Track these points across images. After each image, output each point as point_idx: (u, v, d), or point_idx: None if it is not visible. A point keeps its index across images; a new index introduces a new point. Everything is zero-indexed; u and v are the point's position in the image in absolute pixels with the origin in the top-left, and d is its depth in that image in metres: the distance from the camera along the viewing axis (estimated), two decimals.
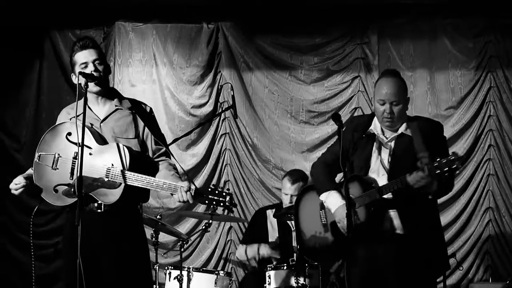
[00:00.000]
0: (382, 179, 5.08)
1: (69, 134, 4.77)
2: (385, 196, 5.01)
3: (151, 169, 4.89)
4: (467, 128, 8.81)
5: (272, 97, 9.12)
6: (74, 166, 4.70)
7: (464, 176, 8.78)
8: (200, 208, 8.83)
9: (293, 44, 9.15)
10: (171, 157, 5.00)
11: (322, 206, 5.40)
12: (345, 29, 9.08)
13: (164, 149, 4.96)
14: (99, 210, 4.72)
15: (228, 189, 4.64)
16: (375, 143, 5.18)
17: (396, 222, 5.05)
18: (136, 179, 4.61)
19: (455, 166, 4.67)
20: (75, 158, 4.71)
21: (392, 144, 5.13)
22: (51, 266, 8.71)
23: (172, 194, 4.65)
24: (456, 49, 8.89)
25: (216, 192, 4.54)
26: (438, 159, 4.71)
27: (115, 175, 4.64)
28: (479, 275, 8.64)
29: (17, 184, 4.81)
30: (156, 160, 4.94)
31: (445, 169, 4.68)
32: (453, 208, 8.74)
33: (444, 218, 8.68)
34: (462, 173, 8.77)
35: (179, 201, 4.60)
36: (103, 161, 4.68)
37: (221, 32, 9.16)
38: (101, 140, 4.78)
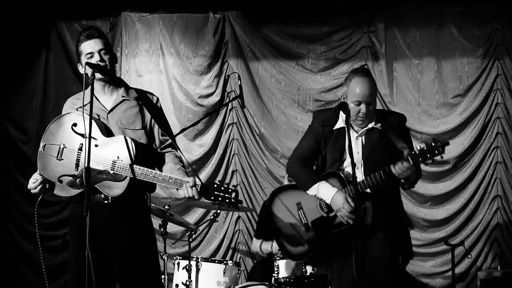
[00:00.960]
0: (358, 173, 5.10)
1: (75, 125, 4.75)
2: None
3: (157, 161, 4.89)
4: (475, 116, 8.79)
5: (279, 86, 9.11)
6: (80, 157, 4.70)
7: (472, 164, 8.76)
8: None
9: (300, 33, 9.13)
10: (177, 149, 4.99)
11: (299, 207, 5.35)
12: (352, 18, 9.06)
13: (170, 140, 4.95)
14: (106, 201, 4.71)
15: (234, 186, 4.62)
16: (346, 137, 5.17)
17: (369, 211, 5.12)
18: (142, 173, 4.60)
19: (438, 151, 4.80)
20: (80, 149, 4.70)
21: (363, 138, 5.19)
22: (58, 257, 8.73)
23: (177, 189, 4.64)
24: (463, 37, 8.87)
25: (222, 188, 4.52)
26: (420, 148, 4.81)
27: (120, 168, 4.64)
28: (487, 263, 8.63)
29: (34, 182, 4.77)
30: (162, 151, 4.93)
31: (428, 155, 4.80)
32: (461, 196, 8.73)
33: (452, 207, 8.70)
34: (470, 161, 8.77)
35: (185, 197, 4.60)
36: (109, 154, 4.67)
37: (228, 21, 9.15)
38: (107, 132, 4.77)
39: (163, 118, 5.02)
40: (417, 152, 4.80)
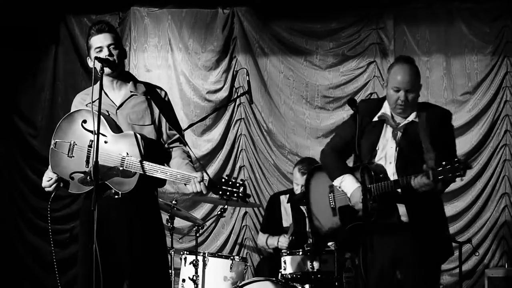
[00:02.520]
0: (389, 168, 5.04)
1: (85, 121, 4.76)
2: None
3: (165, 157, 4.90)
4: (483, 114, 8.79)
5: (288, 82, 9.11)
6: (90, 154, 4.70)
7: (480, 162, 8.76)
8: None
9: (309, 29, 9.13)
10: (185, 143, 4.99)
11: (331, 189, 5.35)
12: (361, 14, 9.05)
13: (177, 135, 4.94)
14: (116, 196, 4.72)
15: (242, 180, 4.60)
16: (383, 129, 5.14)
17: (402, 210, 5.01)
18: (151, 169, 4.61)
19: (459, 173, 4.61)
20: (90, 146, 4.70)
21: (402, 131, 5.07)
22: (66, 251, 8.75)
23: (185, 184, 4.63)
24: (473, 34, 8.85)
25: (230, 183, 4.51)
26: (443, 164, 4.64)
27: (129, 164, 4.65)
28: (495, 261, 8.63)
29: (48, 180, 4.78)
30: (169, 146, 4.93)
31: (449, 175, 4.62)
32: (469, 193, 8.72)
33: (460, 204, 8.68)
34: (478, 158, 8.77)
35: (192, 192, 4.60)
36: (118, 150, 4.67)
37: (237, 17, 9.14)
38: (116, 128, 4.77)
39: (171, 113, 5.01)
40: (439, 169, 4.64)
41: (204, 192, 4.56)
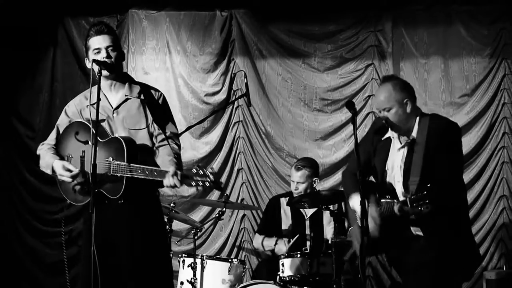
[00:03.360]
0: (398, 187, 5.03)
1: (77, 133, 4.81)
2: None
3: (153, 157, 4.89)
4: (481, 116, 8.78)
5: (286, 85, 9.11)
6: (83, 164, 4.74)
7: (478, 164, 8.76)
8: (214, 196, 8.85)
9: (307, 32, 9.13)
10: (175, 140, 4.97)
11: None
12: (359, 17, 9.05)
13: (163, 135, 4.90)
14: (120, 202, 4.72)
15: (212, 168, 4.58)
16: (390, 148, 5.13)
17: (414, 227, 4.96)
18: (129, 169, 4.61)
19: (428, 200, 4.58)
20: (82, 157, 4.74)
21: (405, 150, 5.04)
22: (62, 254, 8.75)
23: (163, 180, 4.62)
24: (471, 36, 8.85)
25: (201, 173, 4.48)
26: (415, 194, 4.63)
27: (115, 168, 4.65)
28: (493, 263, 8.62)
29: (67, 171, 4.77)
30: (158, 145, 4.90)
31: (421, 202, 4.60)
32: (467, 196, 8.70)
33: None
34: (476, 161, 8.76)
35: (167, 186, 4.59)
36: (105, 156, 4.70)
37: (235, 19, 9.14)
38: (103, 135, 4.78)
39: (164, 113, 5.02)
40: (413, 197, 4.63)
41: (178, 185, 4.55)
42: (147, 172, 4.59)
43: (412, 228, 4.95)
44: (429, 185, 4.56)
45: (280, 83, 9.12)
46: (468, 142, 8.71)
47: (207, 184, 4.48)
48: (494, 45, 8.79)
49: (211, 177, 4.48)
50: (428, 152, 4.88)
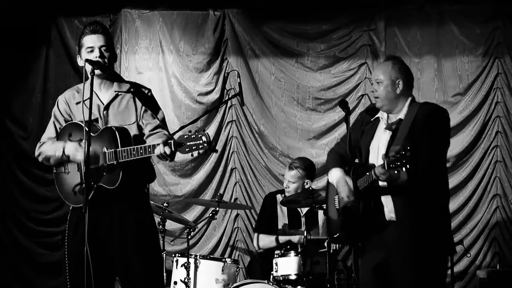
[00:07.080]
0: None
1: (70, 135, 4.83)
2: (380, 184, 4.92)
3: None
4: (475, 115, 8.79)
5: (279, 84, 9.10)
6: (79, 165, 4.77)
7: (471, 163, 8.77)
8: (207, 195, 8.85)
9: (300, 31, 9.13)
10: (165, 128, 4.94)
11: (337, 192, 5.30)
12: (352, 16, 9.05)
13: (158, 122, 4.89)
14: (110, 187, 4.69)
15: (203, 129, 4.57)
16: (377, 128, 5.15)
17: (389, 207, 4.95)
18: (123, 154, 4.60)
19: (405, 160, 4.53)
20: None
21: (391, 130, 5.05)
22: (55, 255, 8.75)
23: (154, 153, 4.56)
24: (464, 36, 8.86)
25: (193, 136, 4.46)
26: (392, 153, 4.59)
27: (110, 157, 4.65)
28: (486, 262, 8.63)
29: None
30: (148, 134, 4.87)
31: (398, 163, 4.55)
32: (460, 195, 8.72)
33: (452, 205, 8.62)
34: (469, 160, 8.77)
35: (158, 156, 4.53)
36: (99, 148, 4.69)
37: (228, 19, 9.14)
38: (94, 130, 4.77)
39: (153, 105, 5.00)
40: (392, 158, 4.58)
41: (168, 153, 4.47)
42: (141, 151, 4.56)
43: (385, 210, 4.95)
44: (408, 147, 4.53)
45: (273, 82, 9.12)
46: (461, 141, 8.72)
47: (201, 148, 4.44)
48: (487, 44, 8.81)
49: (204, 138, 4.44)
50: (412, 131, 4.91)
